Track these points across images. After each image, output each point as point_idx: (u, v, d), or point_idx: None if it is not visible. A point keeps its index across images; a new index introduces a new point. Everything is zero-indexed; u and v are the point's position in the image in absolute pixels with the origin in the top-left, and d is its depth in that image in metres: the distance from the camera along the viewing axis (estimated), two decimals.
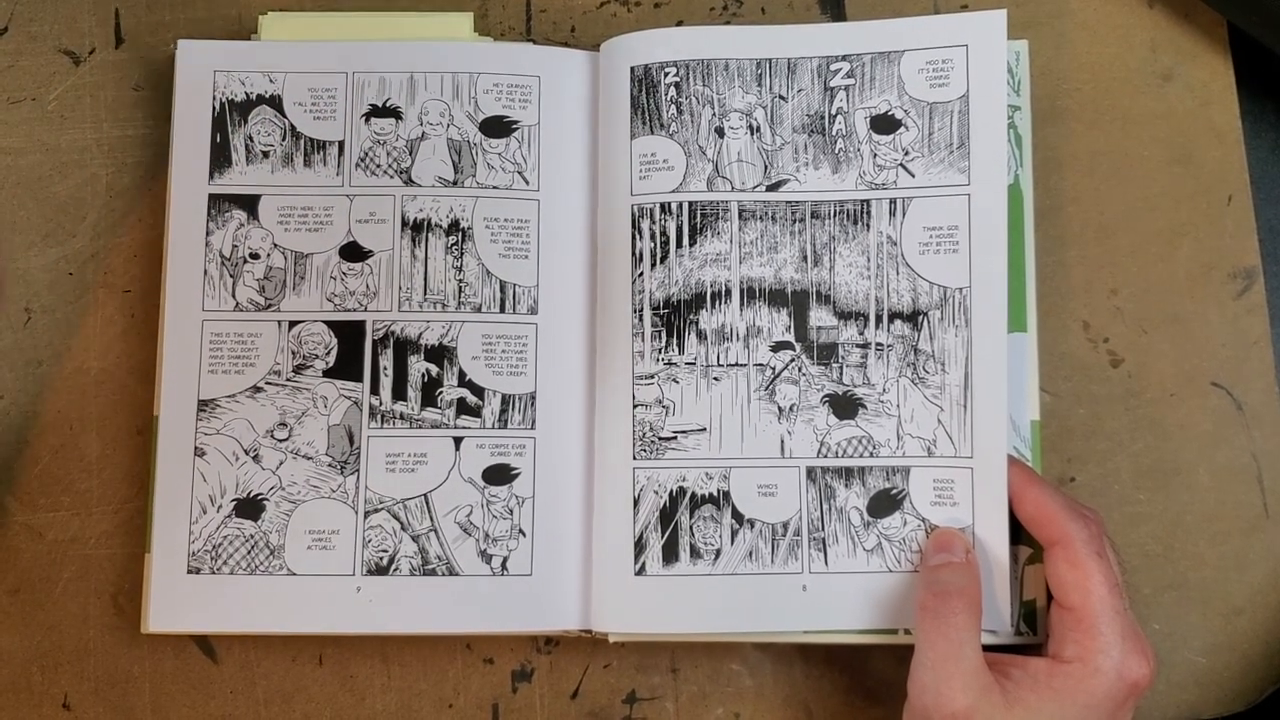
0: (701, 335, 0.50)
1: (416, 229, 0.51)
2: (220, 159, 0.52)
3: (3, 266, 0.38)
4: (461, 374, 0.51)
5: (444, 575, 0.49)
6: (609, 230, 0.51)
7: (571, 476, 0.50)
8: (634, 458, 0.49)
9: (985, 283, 0.49)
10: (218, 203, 0.52)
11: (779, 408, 0.50)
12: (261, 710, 0.51)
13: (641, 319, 0.50)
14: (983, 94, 0.50)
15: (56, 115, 0.54)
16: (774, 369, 0.50)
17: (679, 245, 0.50)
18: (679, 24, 0.55)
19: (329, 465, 0.50)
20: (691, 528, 0.49)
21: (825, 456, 0.49)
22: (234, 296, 0.51)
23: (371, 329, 0.51)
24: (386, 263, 0.51)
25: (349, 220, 0.51)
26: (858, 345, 0.50)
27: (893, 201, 0.50)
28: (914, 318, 0.49)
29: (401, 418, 0.50)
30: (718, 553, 0.49)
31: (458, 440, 0.50)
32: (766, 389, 0.50)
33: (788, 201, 0.50)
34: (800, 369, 0.50)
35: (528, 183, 0.52)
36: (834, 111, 0.51)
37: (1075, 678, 0.43)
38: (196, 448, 0.50)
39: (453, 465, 0.50)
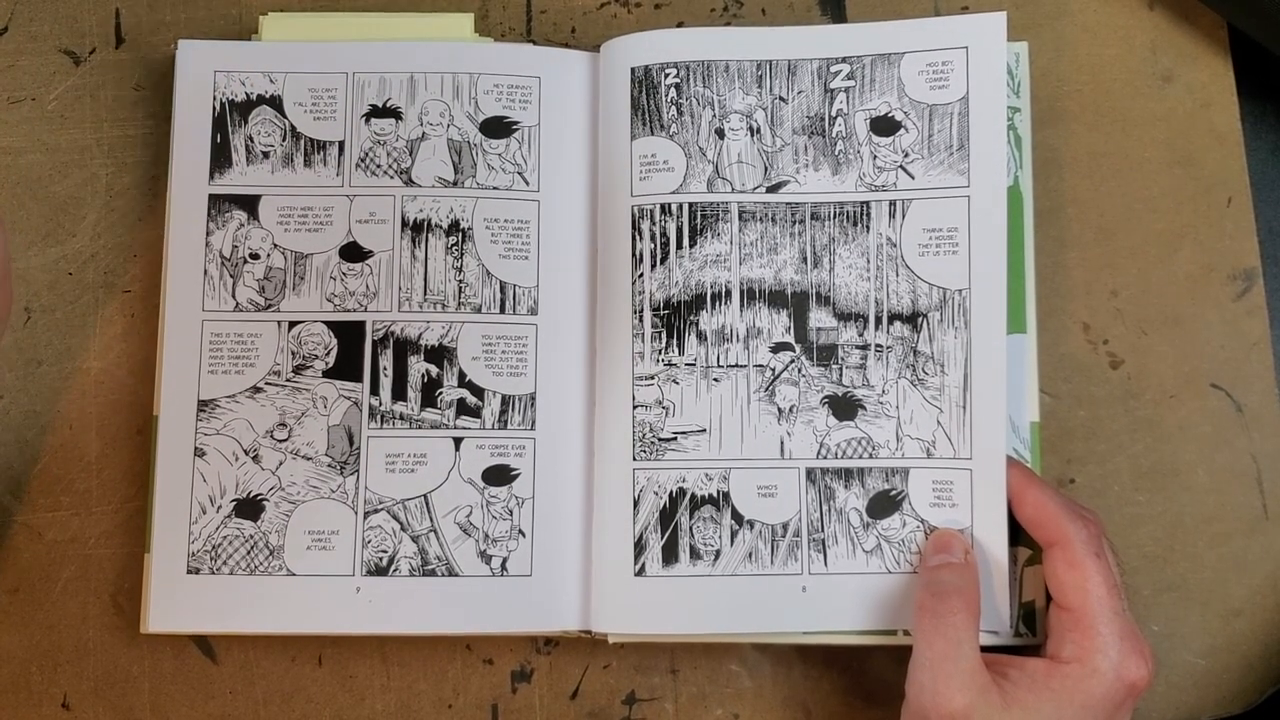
0: (701, 336, 0.50)
1: (416, 229, 0.51)
2: (220, 159, 0.52)
3: (8, 269, 0.39)
4: (461, 374, 0.51)
5: (443, 576, 0.49)
6: (609, 231, 0.51)
7: (571, 477, 0.51)
8: (634, 459, 0.49)
9: (985, 284, 0.49)
10: (218, 203, 0.52)
11: (779, 409, 0.50)
12: (261, 710, 0.51)
13: (641, 320, 0.50)
14: (982, 96, 0.50)
15: (56, 115, 0.54)
16: (774, 370, 0.50)
17: (679, 246, 0.50)
18: (679, 25, 0.55)
19: (329, 465, 0.50)
20: (691, 529, 0.49)
21: (825, 458, 0.49)
22: (234, 297, 0.51)
23: (371, 329, 0.51)
24: (386, 263, 0.51)
25: (349, 220, 0.51)
26: (857, 346, 0.50)
27: (892, 203, 0.50)
28: (913, 319, 0.50)
29: (401, 418, 0.50)
30: (717, 554, 0.49)
31: (457, 441, 0.50)
32: (766, 390, 0.50)
33: (788, 203, 0.50)
34: (800, 370, 0.50)
35: (528, 183, 0.52)
36: (834, 113, 0.51)
37: (1073, 678, 0.44)
38: (196, 448, 0.50)
39: (452, 466, 0.50)
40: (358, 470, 0.50)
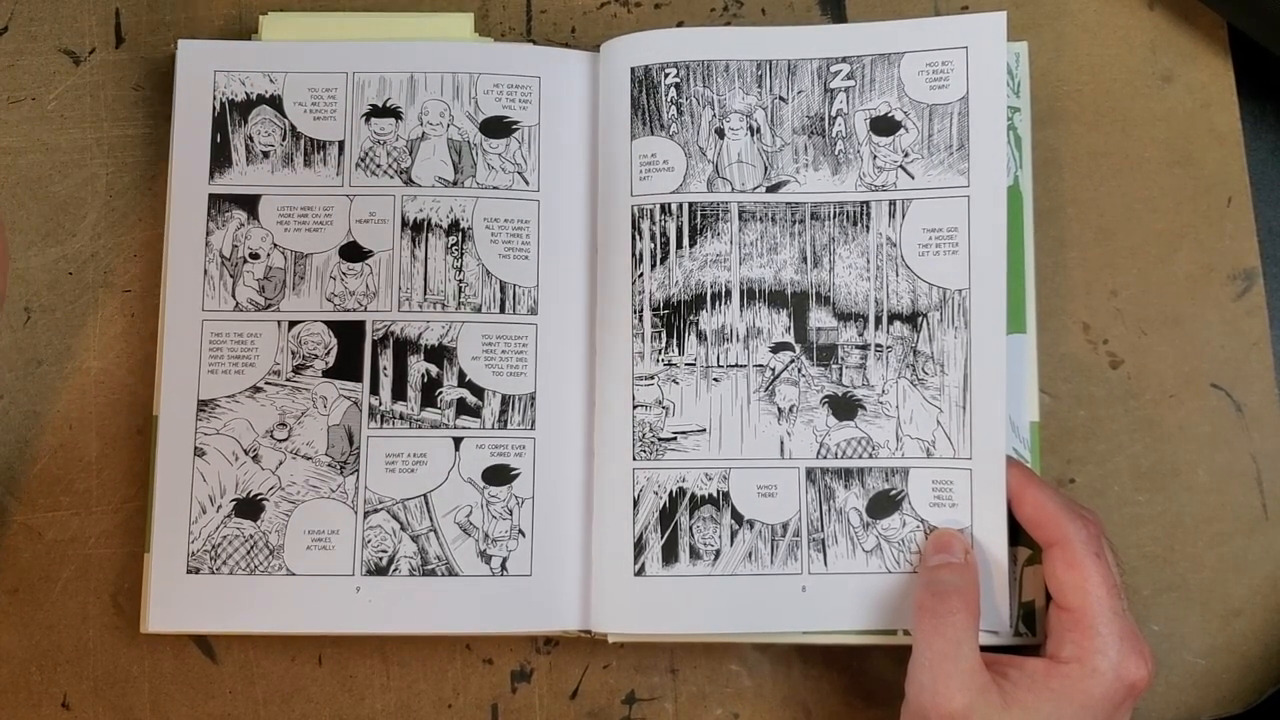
0: (701, 336, 0.50)
1: (416, 229, 0.51)
2: (220, 159, 0.52)
3: (5, 267, 0.39)
4: (461, 374, 0.51)
5: (443, 575, 0.49)
6: (609, 231, 0.51)
7: (571, 477, 0.51)
8: (634, 458, 0.49)
9: (984, 284, 0.49)
10: (218, 203, 0.52)
11: (778, 409, 0.50)
12: (260, 710, 0.51)
13: (641, 320, 0.50)
14: (982, 96, 0.50)
15: (56, 115, 0.54)
16: (774, 370, 0.50)
17: (679, 246, 0.50)
18: (679, 25, 0.55)
19: (328, 465, 0.50)
20: (691, 528, 0.49)
21: (825, 457, 0.49)
22: (234, 296, 0.51)
23: (371, 329, 0.51)
24: (386, 263, 0.51)
25: (349, 220, 0.51)
26: (857, 346, 0.50)
27: (892, 203, 0.50)
28: (913, 319, 0.50)
29: (401, 418, 0.50)
30: (717, 553, 0.49)
31: (457, 440, 0.50)
32: (766, 390, 0.50)
33: (788, 203, 0.50)
34: (800, 370, 0.50)
35: (528, 183, 0.52)
36: (834, 113, 0.51)
37: (1073, 678, 0.44)
38: (196, 448, 0.50)
39: (452, 465, 0.50)
40: (358, 470, 0.50)
